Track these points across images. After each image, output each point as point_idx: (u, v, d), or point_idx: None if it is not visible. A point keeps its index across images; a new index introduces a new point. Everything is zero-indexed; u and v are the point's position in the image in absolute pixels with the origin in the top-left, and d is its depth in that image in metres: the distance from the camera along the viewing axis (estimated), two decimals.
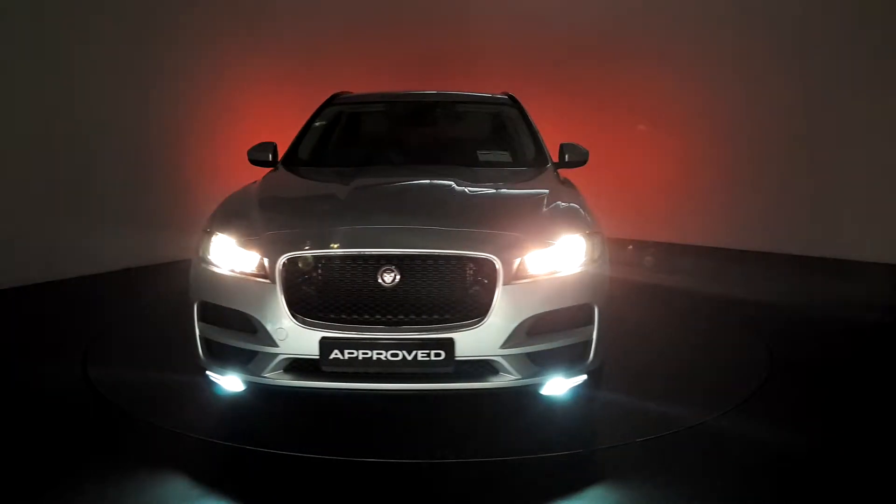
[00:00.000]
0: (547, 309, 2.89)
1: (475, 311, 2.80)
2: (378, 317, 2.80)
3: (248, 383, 3.00)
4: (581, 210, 3.37)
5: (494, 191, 3.65)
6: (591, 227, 3.19)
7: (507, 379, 2.86)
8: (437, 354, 2.76)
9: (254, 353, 2.89)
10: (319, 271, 2.84)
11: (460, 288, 2.82)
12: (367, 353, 2.76)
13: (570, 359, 2.99)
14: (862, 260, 7.15)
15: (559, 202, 3.40)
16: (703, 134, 8.05)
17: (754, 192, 7.79)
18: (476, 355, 2.80)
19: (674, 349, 4.59)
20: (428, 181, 3.71)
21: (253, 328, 2.87)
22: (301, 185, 3.92)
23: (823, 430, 3.37)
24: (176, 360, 3.68)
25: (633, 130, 8.40)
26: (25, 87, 5.71)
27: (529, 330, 2.86)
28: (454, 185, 3.48)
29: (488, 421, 3.34)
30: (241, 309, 2.90)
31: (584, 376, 3.09)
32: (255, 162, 4.33)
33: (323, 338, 2.77)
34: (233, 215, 3.23)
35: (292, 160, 4.34)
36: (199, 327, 3.07)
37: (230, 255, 3.00)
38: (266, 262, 2.86)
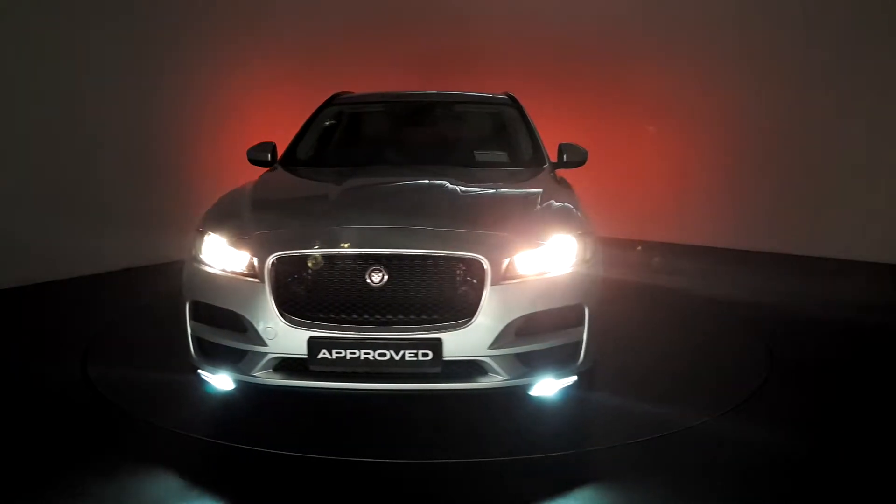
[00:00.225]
0: (536, 309, 2.89)
1: (463, 311, 2.80)
2: (366, 316, 2.81)
3: (238, 382, 3.01)
4: (574, 210, 3.36)
5: (487, 191, 3.65)
6: (583, 228, 3.18)
7: (495, 379, 2.85)
8: (425, 355, 2.76)
9: (244, 353, 2.90)
10: (308, 271, 2.84)
11: (448, 288, 2.82)
12: (354, 353, 2.76)
13: (560, 360, 2.98)
14: (862, 260, 7.13)
15: (552, 202, 3.39)
16: (704, 134, 8.03)
17: (755, 191, 7.77)
18: (464, 356, 2.80)
19: (673, 350, 4.56)
20: (421, 181, 3.71)
21: (243, 327, 2.88)
22: (295, 184, 3.93)
23: (821, 432, 3.35)
24: (175, 359, 3.67)
25: (635, 130, 8.36)
26: (25, 87, 5.72)
27: (518, 330, 2.85)
28: (447, 185, 3.48)
29: (478, 421, 3.34)
30: (231, 308, 2.91)
31: (575, 377, 3.08)
32: (254, 162, 4.35)
33: (311, 337, 2.77)
34: (225, 215, 3.25)
35: (290, 160, 4.36)
36: (190, 326, 3.08)
37: (221, 255, 3.01)
38: (255, 261, 2.88)
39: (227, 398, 3.39)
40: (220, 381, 3.07)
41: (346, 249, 2.82)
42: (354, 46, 8.44)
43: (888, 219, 7.13)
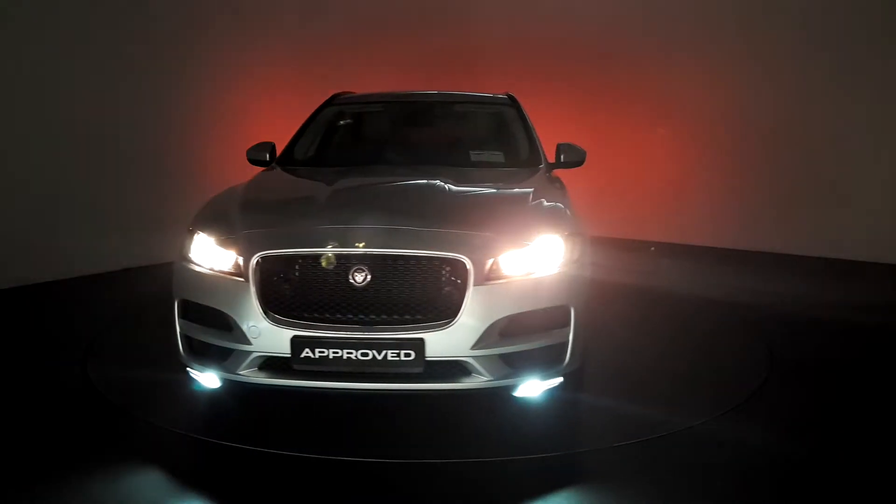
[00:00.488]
0: (521, 310, 2.88)
1: (446, 311, 2.80)
2: (350, 316, 2.81)
3: (224, 380, 3.03)
4: (563, 210, 3.35)
5: (477, 191, 3.64)
6: (571, 228, 3.16)
7: (479, 380, 2.85)
8: (407, 354, 2.76)
9: (230, 351, 2.92)
10: (292, 270, 2.85)
11: (432, 288, 2.82)
12: (337, 353, 2.77)
13: (545, 361, 2.97)
14: (862, 260, 7.10)
15: (542, 202, 3.38)
16: (705, 134, 8.00)
17: (755, 191, 7.75)
18: (446, 356, 2.80)
19: (672, 350, 4.54)
20: (412, 182, 3.71)
21: (229, 326, 2.89)
22: (287, 184, 3.95)
23: (821, 433, 3.32)
24: (174, 358, 3.72)
25: (636, 130, 8.34)
26: (25, 86, 5.75)
27: (503, 331, 2.84)
28: (437, 185, 3.48)
29: (465, 422, 3.32)
30: (217, 307, 2.93)
31: (561, 379, 3.06)
32: (253, 162, 4.37)
33: (294, 336, 2.78)
34: (214, 214, 3.27)
35: (287, 160, 4.38)
36: (179, 324, 3.11)
37: (209, 254, 3.03)
38: (241, 260, 2.90)
39: (220, 396, 3.39)
40: (207, 379, 3.09)
41: (328, 249, 2.82)
42: (356, 47, 8.48)
43: (888, 219, 7.09)
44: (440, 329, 2.77)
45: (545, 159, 4.35)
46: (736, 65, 7.69)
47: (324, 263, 2.81)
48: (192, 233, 3.15)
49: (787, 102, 7.48)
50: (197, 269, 3.05)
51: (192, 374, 3.17)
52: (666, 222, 8.24)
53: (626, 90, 8.28)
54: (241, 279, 2.87)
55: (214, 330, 2.96)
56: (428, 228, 2.92)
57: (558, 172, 5.00)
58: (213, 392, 3.27)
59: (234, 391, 3.32)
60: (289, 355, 2.80)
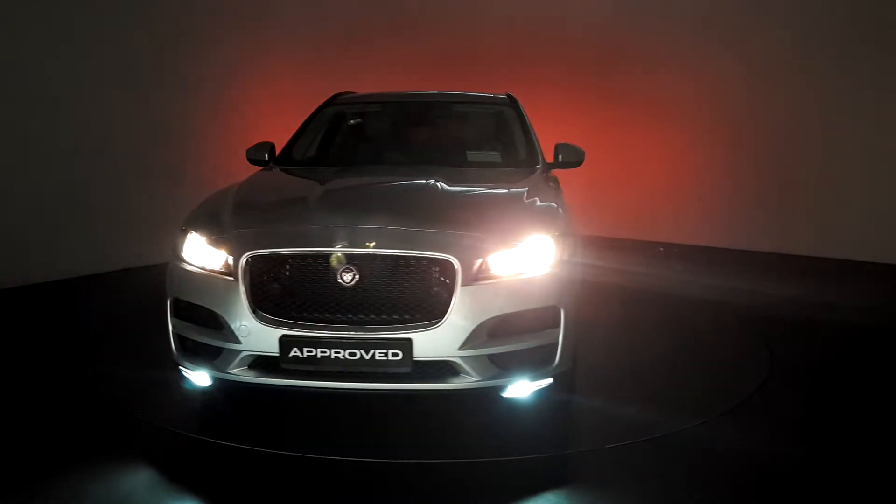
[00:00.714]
0: (510, 310, 2.87)
1: (434, 311, 2.80)
2: (338, 316, 2.82)
3: (215, 379, 3.04)
4: (555, 211, 3.33)
5: (470, 191, 3.63)
6: (561, 229, 3.15)
7: (467, 380, 2.84)
8: (395, 354, 2.76)
9: (220, 350, 2.93)
10: (281, 270, 2.86)
11: (420, 288, 2.82)
12: (325, 352, 2.78)
13: (534, 362, 2.96)
14: (862, 260, 7.09)
15: (535, 203, 3.36)
16: (706, 134, 7.99)
17: (755, 191, 7.74)
18: (434, 356, 2.79)
19: (669, 351, 4.52)
20: (405, 182, 3.71)
21: (219, 325, 2.91)
22: (280, 184, 3.95)
23: (821, 434, 3.31)
24: (169, 356, 3.75)
25: (639, 130, 8.32)
26: (26, 86, 5.76)
27: (491, 331, 2.84)
28: (430, 185, 3.48)
29: (455, 422, 3.32)
30: (208, 306, 2.94)
31: (550, 380, 3.05)
32: (253, 161, 4.39)
33: (283, 335, 2.79)
34: (206, 214, 3.28)
35: (285, 160, 4.39)
36: (172, 323, 3.13)
37: (201, 253, 3.05)
38: (231, 260, 2.91)
39: (213, 395, 3.42)
40: (199, 377, 3.11)
41: (317, 249, 2.83)
42: (358, 48, 8.52)
43: (888, 219, 7.09)
44: (428, 329, 2.77)
45: (543, 159, 4.33)
46: (736, 65, 7.68)
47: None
48: (184, 232, 3.17)
49: (786, 103, 7.48)
50: (189, 268, 3.07)
51: (184, 373, 3.18)
52: (666, 222, 8.23)
53: (630, 90, 8.27)
54: (231, 278, 2.88)
55: (205, 329, 2.97)
56: (416, 228, 2.92)
57: (558, 173, 5.01)
58: (205, 391, 3.28)
59: (226, 390, 3.34)
60: (277, 355, 2.81)
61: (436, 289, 2.82)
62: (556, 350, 2.99)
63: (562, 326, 2.98)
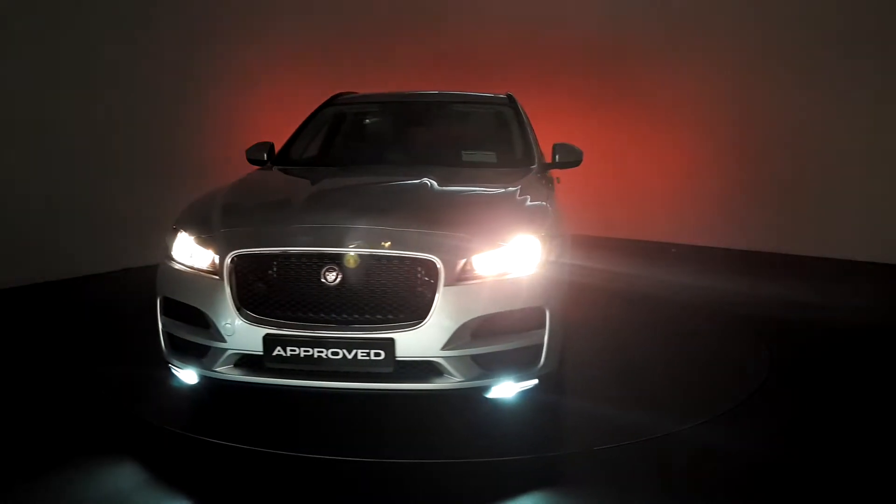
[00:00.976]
0: (494, 311, 2.86)
1: (417, 311, 2.80)
2: (322, 315, 2.83)
3: (202, 376, 3.07)
4: (545, 211, 3.31)
5: (461, 191, 3.62)
6: (549, 229, 3.13)
7: (450, 381, 2.84)
8: (377, 354, 2.77)
9: (207, 348, 2.95)
10: (266, 269, 2.88)
11: (403, 288, 2.82)
12: (308, 351, 2.79)
13: (519, 363, 2.95)
14: (862, 260, 7.05)
15: (525, 203, 3.35)
16: (705, 134, 7.96)
17: (754, 191, 7.70)
18: (417, 356, 2.79)
19: (666, 352, 4.48)
20: (397, 182, 3.72)
21: (206, 323, 2.93)
22: (272, 184, 3.97)
23: (820, 436, 3.27)
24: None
25: (641, 131, 8.30)
26: (26, 86, 5.79)
27: (475, 332, 2.83)
28: (420, 185, 3.48)
29: (440, 422, 3.31)
30: (195, 305, 2.97)
31: (535, 381, 3.04)
32: (253, 161, 4.42)
33: (267, 334, 2.81)
34: (196, 213, 3.30)
35: (282, 159, 4.41)
36: (161, 321, 3.16)
37: (189, 252, 3.07)
38: (217, 259, 2.93)
39: (204, 393, 3.45)
40: (187, 375, 3.14)
41: (301, 248, 2.85)
42: (360, 48, 8.53)
43: (888, 219, 7.05)
44: (410, 329, 2.77)
45: (539, 159, 4.31)
46: (736, 66, 7.65)
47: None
48: (175, 231, 3.19)
49: (786, 103, 7.44)
50: (178, 267, 3.09)
51: (173, 371, 3.21)
52: (666, 222, 8.20)
53: (630, 91, 8.26)
54: (217, 277, 2.90)
55: (193, 327, 2.99)
56: (400, 228, 2.92)
57: (560, 173, 4.98)
58: (195, 388, 3.30)
59: (213, 388, 3.36)
60: (261, 353, 2.82)
61: (419, 289, 2.82)
62: (542, 351, 2.98)
63: (547, 327, 2.96)
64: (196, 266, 3.02)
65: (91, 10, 6.23)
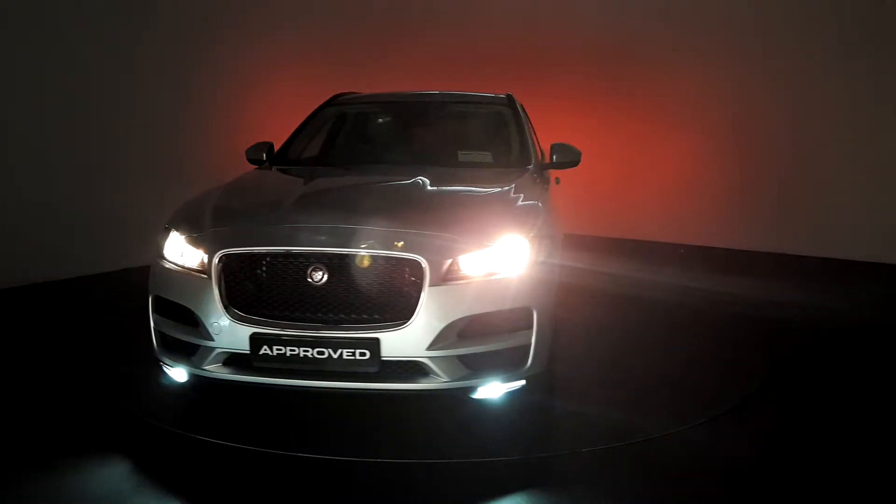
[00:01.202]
0: (480, 311, 2.85)
1: (402, 311, 2.80)
2: (308, 314, 2.84)
3: (191, 375, 3.09)
4: (535, 211, 3.29)
5: (453, 191, 3.61)
6: (538, 230, 3.12)
7: (436, 381, 2.84)
8: (362, 354, 2.77)
9: (196, 347, 2.97)
10: (253, 268, 2.89)
11: (388, 288, 2.82)
12: (294, 350, 2.80)
13: (506, 363, 2.94)
14: (862, 260, 7.03)
15: (516, 203, 3.34)
16: (706, 134, 7.93)
17: (755, 192, 7.68)
18: (402, 356, 2.80)
19: (664, 353, 4.46)
20: (389, 182, 3.72)
21: (195, 322, 2.95)
22: (265, 183, 3.98)
23: (819, 436, 3.25)
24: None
25: (641, 131, 8.26)
26: (26, 85, 5.81)
27: (461, 332, 2.83)
28: (412, 185, 3.48)
29: (427, 422, 3.31)
30: (184, 303, 2.99)
31: (523, 382, 3.03)
32: (252, 161, 4.44)
33: (254, 333, 2.82)
34: (189, 213, 3.32)
35: (280, 159, 4.43)
36: (153, 320, 3.18)
37: (180, 251, 3.09)
38: (205, 258, 2.95)
39: (196, 391, 3.48)
40: (177, 373, 3.16)
41: (287, 248, 2.85)
42: (361, 49, 8.56)
43: (888, 219, 7.02)
44: (396, 329, 2.77)
45: (536, 160, 4.29)
46: (736, 66, 7.62)
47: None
48: (167, 230, 3.22)
49: (787, 103, 7.41)
50: (169, 266, 3.11)
51: (164, 369, 3.24)
52: (666, 222, 8.18)
53: (630, 91, 8.25)
54: (206, 276, 2.92)
55: (183, 326, 3.01)
56: (386, 228, 2.92)
57: (559, 173, 4.97)
58: (185, 386, 3.32)
59: (202, 386, 3.37)
60: (248, 352, 2.84)
61: (405, 289, 2.82)
62: (529, 352, 2.97)
63: (534, 328, 2.95)
64: (186, 265, 3.04)
65: (92, 10, 6.26)
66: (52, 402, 3.58)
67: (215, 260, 2.89)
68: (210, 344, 2.91)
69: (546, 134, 5.58)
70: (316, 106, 4.99)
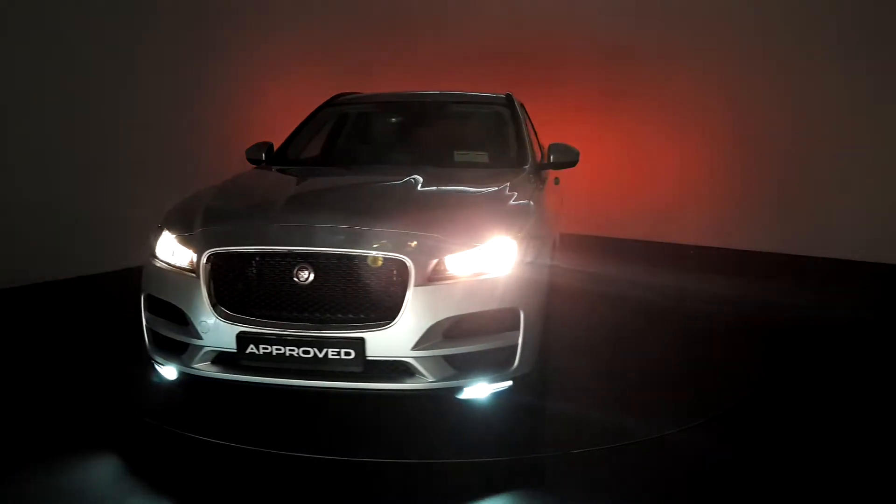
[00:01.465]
0: (466, 311, 2.86)
1: (387, 311, 2.81)
2: (294, 314, 2.85)
3: (181, 373, 3.11)
4: (526, 212, 3.29)
5: (445, 191, 3.61)
6: (527, 230, 3.12)
7: (422, 381, 2.84)
8: (347, 353, 2.78)
9: (186, 345, 3.00)
10: (241, 267, 2.91)
11: (373, 288, 2.83)
12: (280, 349, 2.81)
13: (492, 364, 2.95)
14: (862, 260, 7.01)
15: (507, 203, 3.34)
16: (706, 134, 7.91)
17: (755, 192, 7.66)
18: (387, 356, 2.80)
19: (663, 354, 4.44)
20: (382, 182, 3.72)
21: (185, 321, 2.97)
22: (260, 183, 3.99)
23: (819, 437, 3.24)
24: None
25: (641, 131, 8.26)
26: (26, 85, 5.82)
27: (447, 332, 2.83)
28: (404, 185, 3.48)
29: (413, 422, 3.31)
30: (174, 302, 3.01)
31: (510, 382, 3.03)
32: (252, 161, 4.46)
33: (240, 332, 2.84)
34: (181, 212, 3.34)
35: (279, 159, 4.45)
36: (145, 318, 3.21)
37: (171, 250, 3.11)
38: (194, 257, 2.97)
39: (190, 389, 3.51)
40: (167, 371, 3.19)
41: (273, 247, 2.88)
42: (362, 49, 8.57)
43: (888, 219, 6.99)
44: (381, 329, 2.78)
45: (533, 160, 4.28)
46: (737, 67, 7.61)
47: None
48: (159, 230, 3.24)
49: (786, 103, 7.39)
50: (160, 265, 3.14)
51: (156, 367, 3.26)
52: (666, 222, 8.17)
53: (634, 91, 8.22)
54: (195, 275, 2.94)
55: (173, 324, 3.04)
56: (372, 228, 2.93)
57: (559, 173, 4.95)
58: (175, 384, 3.35)
59: (192, 384, 3.40)
60: (235, 351, 2.85)
61: (391, 289, 2.83)
62: (516, 353, 2.97)
63: (521, 329, 2.95)
64: (177, 264, 3.06)
65: (92, 10, 6.29)
66: (50, 401, 3.60)
67: (203, 259, 2.91)
68: (198, 342, 2.93)
69: (546, 134, 5.59)
70: (316, 106, 5.01)
